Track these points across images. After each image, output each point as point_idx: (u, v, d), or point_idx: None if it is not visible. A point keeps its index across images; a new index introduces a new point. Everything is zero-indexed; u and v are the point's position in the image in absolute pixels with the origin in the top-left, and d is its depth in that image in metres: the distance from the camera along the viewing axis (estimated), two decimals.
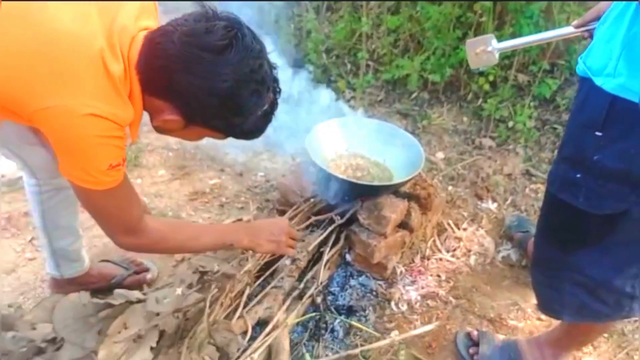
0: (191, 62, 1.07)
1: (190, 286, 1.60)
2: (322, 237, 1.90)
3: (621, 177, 1.18)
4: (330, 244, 1.91)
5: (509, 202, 2.33)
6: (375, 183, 1.92)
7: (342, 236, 1.96)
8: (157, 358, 1.43)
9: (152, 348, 1.42)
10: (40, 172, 1.60)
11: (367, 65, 2.89)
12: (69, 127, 1.07)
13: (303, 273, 1.88)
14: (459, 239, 2.14)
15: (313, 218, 1.93)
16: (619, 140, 1.16)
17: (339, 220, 1.92)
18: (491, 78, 2.68)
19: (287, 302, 1.74)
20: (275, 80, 1.21)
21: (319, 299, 1.84)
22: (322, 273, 1.85)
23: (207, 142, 2.54)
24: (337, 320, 1.82)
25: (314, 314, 1.78)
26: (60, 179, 1.52)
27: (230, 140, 1.30)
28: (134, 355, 1.38)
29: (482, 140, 2.62)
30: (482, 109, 2.70)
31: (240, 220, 2.06)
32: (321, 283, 1.85)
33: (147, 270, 1.97)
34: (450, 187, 2.40)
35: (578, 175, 1.25)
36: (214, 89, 1.09)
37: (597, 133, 1.19)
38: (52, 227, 1.70)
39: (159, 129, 1.23)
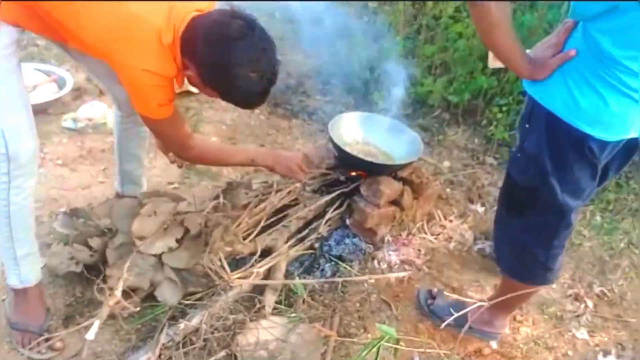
0: (210, 42, 1.55)
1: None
2: (328, 199, 2.37)
3: (535, 160, 1.60)
4: (334, 206, 2.38)
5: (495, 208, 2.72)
6: (375, 160, 2.38)
7: (345, 203, 2.43)
8: (179, 248, 1.92)
9: (177, 239, 1.92)
10: (124, 106, 2.14)
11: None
12: (132, 76, 1.60)
13: (309, 223, 2.35)
14: (444, 227, 2.56)
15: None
16: (534, 132, 1.58)
17: (343, 181, 2.38)
18: (504, 108, 3.11)
19: (291, 241, 2.21)
20: (273, 73, 1.62)
21: (316, 245, 2.30)
22: (323, 227, 2.31)
23: (255, 123, 3.09)
24: (328, 265, 2.27)
25: (310, 251, 2.24)
26: (136, 116, 2.07)
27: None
28: (161, 239, 1.88)
29: (485, 157, 3.04)
30: (492, 134, 3.12)
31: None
32: (320, 234, 2.31)
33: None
34: (448, 189, 2.82)
35: (518, 155, 1.67)
36: (219, 64, 1.56)
37: (526, 125, 1.62)
38: (124, 152, 2.24)
39: (189, 80, 1.72)
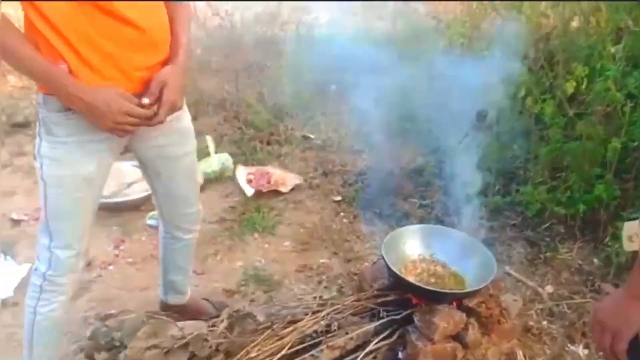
0: None
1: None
2: (375, 325, 2.05)
3: None
4: (382, 336, 2.05)
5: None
6: (424, 285, 2.01)
7: (397, 333, 2.08)
8: None
9: None
10: (167, 219, 2.07)
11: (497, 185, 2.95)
12: None
13: (347, 354, 2.04)
14: None
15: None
16: None
17: (384, 314, 2.05)
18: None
19: None
20: None
21: None
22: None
23: (337, 226, 2.89)
24: None
25: None
26: (180, 231, 2.02)
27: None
28: None
29: (603, 285, 2.46)
30: (617, 255, 2.54)
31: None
32: None
33: None
34: (544, 322, 2.31)
35: None
36: None
37: None
38: (169, 263, 2.17)
39: None
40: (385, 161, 3.44)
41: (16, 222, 2.95)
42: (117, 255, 2.70)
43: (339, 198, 3.17)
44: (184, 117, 1.79)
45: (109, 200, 2.90)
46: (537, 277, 2.57)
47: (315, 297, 2.34)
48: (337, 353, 2.01)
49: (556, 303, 2.40)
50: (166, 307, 2.29)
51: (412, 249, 2.25)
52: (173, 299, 2.25)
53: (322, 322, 2.00)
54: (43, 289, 1.66)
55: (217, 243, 2.79)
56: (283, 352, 1.89)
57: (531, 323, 2.30)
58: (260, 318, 1.91)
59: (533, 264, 2.64)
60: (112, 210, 2.96)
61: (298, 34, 4.64)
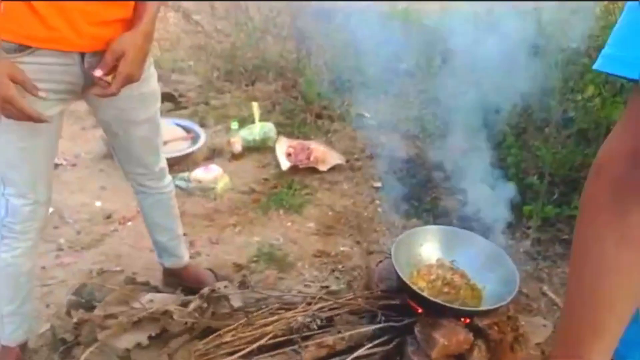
0: None
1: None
2: (372, 329, 1.87)
3: None
4: (377, 341, 1.86)
5: None
6: (429, 297, 1.79)
7: (395, 341, 1.89)
8: (151, 347, 1.66)
9: (150, 336, 1.66)
10: (129, 179, 1.95)
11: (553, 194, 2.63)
12: None
13: (336, 355, 1.88)
14: None
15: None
16: None
17: (382, 318, 1.86)
18: None
19: None
20: None
21: None
22: None
23: (369, 214, 2.70)
24: None
25: None
26: (144, 188, 1.92)
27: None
28: (130, 332, 1.64)
29: None
30: None
31: None
32: None
33: None
34: None
35: None
36: None
37: None
38: (150, 222, 2.08)
39: None
40: (438, 152, 3.18)
41: None
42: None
43: (378, 184, 2.96)
44: (150, 81, 1.65)
45: None
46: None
47: (322, 287, 2.17)
48: (323, 352, 1.84)
49: None
50: (167, 271, 2.22)
51: (431, 251, 2.03)
52: (168, 262, 2.17)
53: (313, 316, 1.84)
54: (3, 235, 1.60)
55: (240, 214, 2.69)
56: (262, 341, 1.75)
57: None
58: (236, 304, 1.77)
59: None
60: None
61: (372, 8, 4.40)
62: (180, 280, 2.19)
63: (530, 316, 2.19)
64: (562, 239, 2.56)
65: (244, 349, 1.72)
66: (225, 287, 1.78)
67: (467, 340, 1.77)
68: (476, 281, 1.96)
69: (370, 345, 1.84)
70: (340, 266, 2.41)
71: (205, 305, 1.72)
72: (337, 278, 2.31)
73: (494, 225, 2.50)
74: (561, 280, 2.36)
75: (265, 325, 1.77)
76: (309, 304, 1.84)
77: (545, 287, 2.33)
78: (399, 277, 1.82)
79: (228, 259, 2.42)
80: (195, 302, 1.70)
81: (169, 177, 1.99)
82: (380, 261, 2.04)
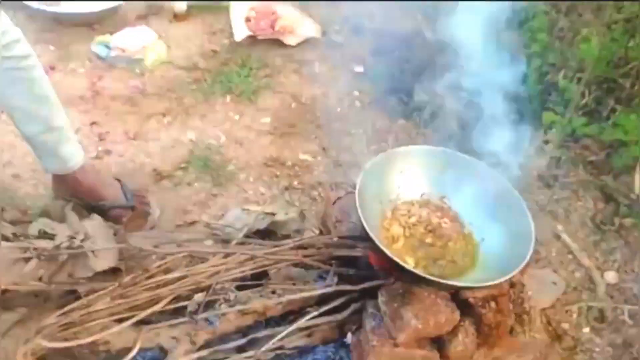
0: None
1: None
2: (320, 292, 1.33)
3: None
4: (326, 307, 1.33)
5: None
6: (405, 265, 1.23)
7: (352, 307, 1.36)
8: None
9: None
10: None
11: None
12: None
13: (268, 321, 1.36)
14: None
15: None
16: None
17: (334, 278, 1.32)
18: None
19: (211, 349, 1.26)
20: None
21: None
22: (289, 335, 1.30)
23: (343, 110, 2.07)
24: None
25: None
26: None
27: None
28: None
29: None
30: None
31: None
32: (279, 349, 1.31)
33: (147, 212, 1.65)
34: (586, 330, 1.53)
35: None
36: None
37: None
38: (8, 107, 1.46)
39: None
40: (444, 29, 2.46)
41: None
42: None
43: (360, 69, 2.30)
44: None
45: (45, 7, 2.15)
46: (600, 252, 1.73)
47: (266, 214, 1.61)
48: (248, 320, 1.33)
49: (615, 305, 1.59)
50: (56, 178, 1.63)
51: (413, 183, 1.43)
52: (49, 166, 1.57)
53: (234, 272, 1.29)
54: None
55: (173, 99, 2.05)
56: (158, 306, 1.22)
57: (566, 326, 1.53)
58: (105, 264, 1.21)
59: (600, 229, 1.78)
60: (52, 23, 2.21)
61: None
62: (71, 192, 1.61)
63: (536, 267, 1.67)
64: (589, 161, 1.97)
65: (130, 317, 1.19)
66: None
67: (451, 321, 1.25)
68: (473, 230, 1.40)
69: (315, 313, 1.31)
70: (296, 182, 1.84)
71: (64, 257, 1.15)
72: (289, 202, 1.74)
73: (501, 136, 1.89)
74: (582, 219, 1.81)
75: (159, 286, 1.22)
76: (227, 256, 1.27)
77: (560, 228, 1.78)
78: (362, 226, 1.24)
79: (147, 162, 1.83)
80: (30, 264, 1.12)
81: (24, 47, 1.35)
82: (339, 198, 1.44)
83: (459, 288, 1.26)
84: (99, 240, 1.22)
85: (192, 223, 1.66)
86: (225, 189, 1.78)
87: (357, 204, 1.24)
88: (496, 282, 1.21)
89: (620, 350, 1.48)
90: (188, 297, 1.26)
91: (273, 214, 1.63)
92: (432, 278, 1.20)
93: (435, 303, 1.25)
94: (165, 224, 1.64)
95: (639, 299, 1.60)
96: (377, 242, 1.20)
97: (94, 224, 1.32)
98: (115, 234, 1.32)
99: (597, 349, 1.49)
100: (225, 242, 1.46)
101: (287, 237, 1.58)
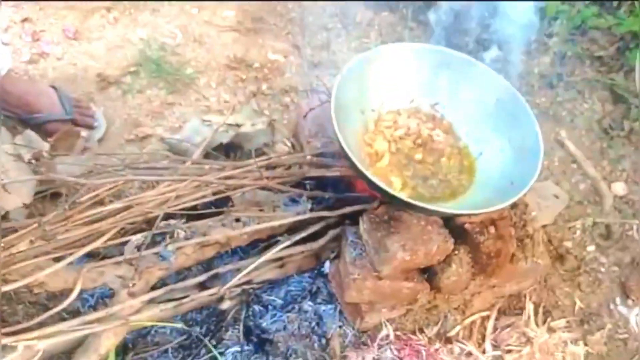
0: None
1: None
2: (293, 220, 1.14)
3: None
4: (300, 235, 1.15)
5: None
6: (365, 171, 1.02)
7: (330, 234, 1.18)
8: None
9: None
10: None
11: None
12: None
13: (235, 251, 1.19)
14: (528, 342, 1.21)
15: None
16: None
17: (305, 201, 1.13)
18: None
19: (167, 288, 1.08)
20: None
21: (227, 304, 1.15)
22: (257, 268, 1.13)
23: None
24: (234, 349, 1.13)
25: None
26: None
27: None
28: None
29: None
30: None
31: None
32: (247, 283, 1.14)
33: (91, 125, 1.42)
34: (591, 249, 1.38)
35: None
36: None
37: None
38: None
39: None
40: None
41: None
42: None
43: None
44: None
45: None
46: (607, 161, 1.54)
47: (229, 126, 1.39)
48: (209, 252, 1.14)
49: (624, 220, 1.43)
50: None
51: (400, 88, 1.21)
52: None
53: (187, 199, 1.08)
54: None
55: None
56: (99, 242, 1.02)
57: (568, 245, 1.37)
58: (18, 202, 0.99)
59: (608, 135, 1.59)
60: None
61: None
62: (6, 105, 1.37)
63: (537, 179, 1.48)
64: (597, 57, 1.74)
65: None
66: None
67: (442, 251, 1.08)
68: (469, 143, 1.20)
69: (287, 243, 1.13)
70: (265, 87, 1.60)
71: None
72: (256, 111, 1.51)
73: (498, 29, 1.64)
74: (588, 123, 1.61)
75: (101, 218, 1.02)
76: (182, 181, 1.06)
77: (563, 134, 1.59)
78: (339, 144, 1.03)
79: (90, 66, 1.57)
80: None
81: None
82: (312, 109, 1.22)
83: (451, 215, 1.08)
84: (11, 172, 1.00)
85: (145, 137, 1.44)
86: (183, 96, 1.54)
87: (333, 116, 1.02)
88: (495, 208, 1.03)
89: (628, 270, 1.34)
90: (141, 230, 1.07)
91: (238, 126, 1.41)
92: (419, 204, 1.01)
93: (426, 230, 1.07)
94: (113, 140, 1.41)
95: None
96: (355, 161, 1.00)
97: (4, 148, 1.09)
98: (42, 157, 1.10)
99: (603, 269, 1.35)
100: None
101: (258, 152, 1.38)
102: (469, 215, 1.07)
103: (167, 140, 1.40)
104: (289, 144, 1.36)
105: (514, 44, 1.74)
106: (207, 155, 1.28)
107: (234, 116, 1.45)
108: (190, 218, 1.11)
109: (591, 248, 1.38)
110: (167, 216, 1.07)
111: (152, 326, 1.12)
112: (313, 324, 1.18)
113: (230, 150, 1.40)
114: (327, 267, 1.23)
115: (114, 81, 1.54)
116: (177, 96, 1.54)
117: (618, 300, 1.31)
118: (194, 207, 1.11)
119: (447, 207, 1.08)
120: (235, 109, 1.51)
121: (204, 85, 1.58)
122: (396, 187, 1.10)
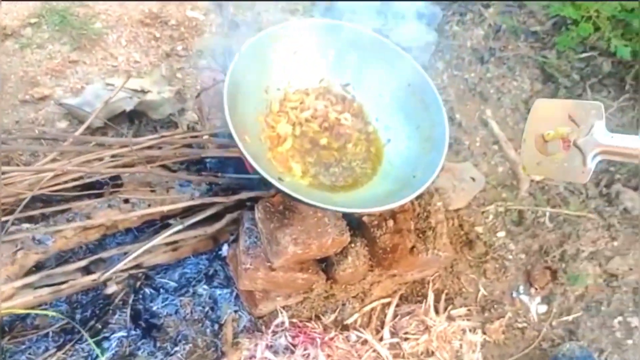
0: None
1: None
2: (191, 203, 1.08)
3: None
4: (196, 219, 1.09)
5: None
6: (249, 158, 0.96)
7: (227, 217, 1.13)
8: None
9: None
10: None
11: None
12: None
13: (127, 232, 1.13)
14: (427, 330, 1.20)
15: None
16: None
17: (198, 191, 1.07)
18: None
19: (43, 273, 1.02)
20: None
21: (113, 288, 1.09)
22: (148, 251, 1.07)
23: None
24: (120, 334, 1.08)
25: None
26: None
27: None
28: None
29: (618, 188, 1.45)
30: None
31: None
32: (135, 267, 1.09)
33: None
34: (501, 233, 1.37)
35: None
36: None
37: None
38: None
39: None
40: None
41: None
42: None
43: None
44: None
45: None
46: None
47: (134, 92, 1.29)
48: (94, 235, 1.08)
49: (537, 207, 1.42)
50: None
51: (309, 66, 1.13)
52: None
53: (64, 179, 1.01)
54: None
55: None
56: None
57: (479, 230, 1.36)
58: None
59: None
60: None
61: None
62: None
63: (455, 160, 1.46)
64: (532, 32, 1.68)
65: None
66: None
67: (337, 244, 1.04)
68: (378, 128, 1.14)
69: (180, 227, 1.08)
70: (180, 47, 1.49)
71: None
72: (164, 77, 1.41)
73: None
74: (514, 102, 1.57)
75: None
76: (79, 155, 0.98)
77: (488, 113, 1.55)
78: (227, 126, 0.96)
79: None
80: None
81: None
82: (206, 89, 1.13)
83: (336, 211, 1.03)
84: None
85: (42, 99, 1.33)
86: (88, 54, 1.43)
87: (225, 99, 0.95)
88: (389, 206, 0.98)
89: (534, 258, 1.34)
90: (11, 212, 0.99)
91: (144, 92, 1.32)
92: (305, 200, 0.94)
93: (321, 222, 1.03)
94: (6, 100, 1.30)
95: (563, 199, 1.43)
96: (242, 149, 0.93)
97: None
98: None
99: (510, 256, 1.34)
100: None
101: (164, 122, 1.30)
102: (357, 214, 1.03)
103: (65, 104, 1.30)
104: (196, 116, 1.28)
105: (451, 15, 1.68)
106: (105, 125, 1.19)
107: (141, 81, 1.35)
108: (72, 199, 1.03)
109: (501, 234, 1.37)
110: (45, 197, 1.00)
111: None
112: (207, 308, 1.15)
113: (134, 117, 1.31)
114: (225, 250, 1.18)
115: (11, 33, 1.41)
116: (82, 53, 1.42)
117: (521, 288, 1.31)
118: (76, 187, 1.04)
119: (340, 202, 1.01)
120: (145, 71, 1.41)
121: (113, 43, 1.46)
122: (296, 174, 1.05)
